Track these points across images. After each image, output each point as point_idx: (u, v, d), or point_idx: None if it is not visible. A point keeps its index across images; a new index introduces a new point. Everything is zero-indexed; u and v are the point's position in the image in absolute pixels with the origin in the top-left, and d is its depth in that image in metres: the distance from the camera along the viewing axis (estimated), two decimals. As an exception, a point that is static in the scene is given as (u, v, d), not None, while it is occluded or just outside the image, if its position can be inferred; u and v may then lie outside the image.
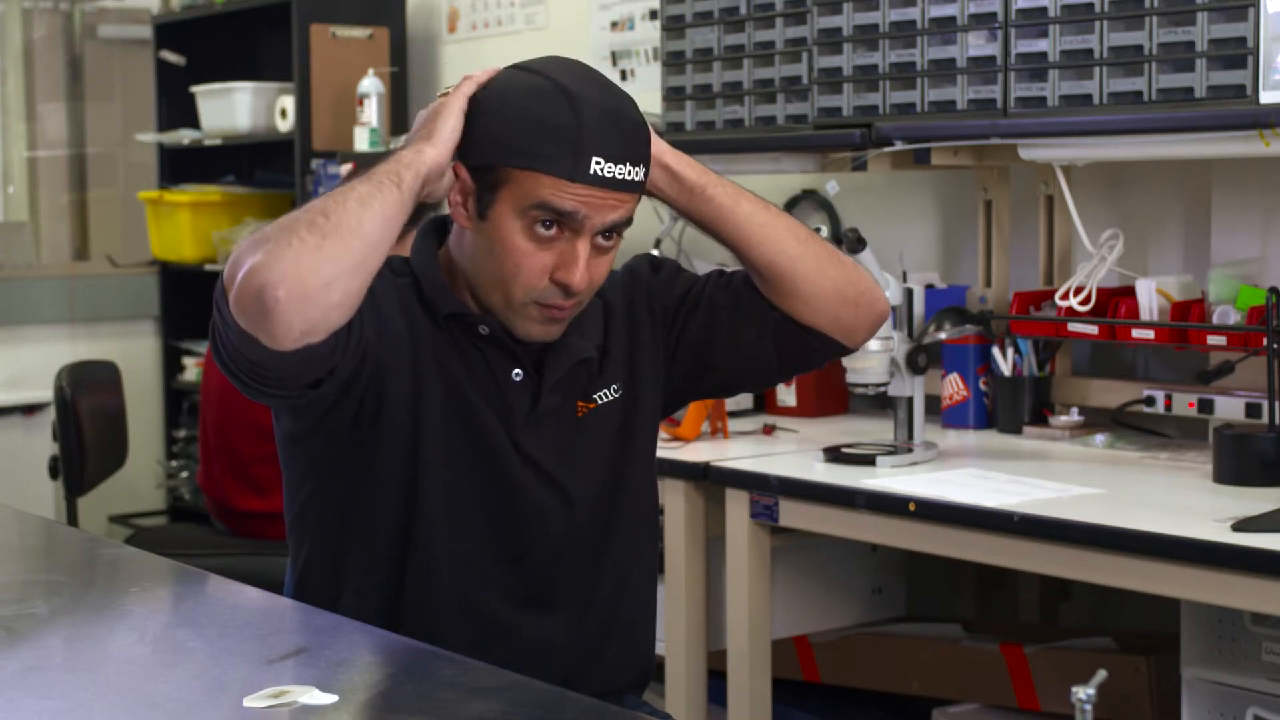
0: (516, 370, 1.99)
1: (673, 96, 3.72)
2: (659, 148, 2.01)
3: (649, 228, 3.75)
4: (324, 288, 1.74)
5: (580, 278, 1.89)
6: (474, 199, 1.91)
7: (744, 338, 2.07)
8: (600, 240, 1.91)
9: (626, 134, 1.90)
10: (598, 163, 1.86)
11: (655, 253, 3.61)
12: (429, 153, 1.87)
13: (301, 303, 1.73)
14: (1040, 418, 3.36)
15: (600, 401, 2.04)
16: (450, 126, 1.89)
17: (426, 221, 2.06)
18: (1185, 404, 3.10)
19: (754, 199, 2.05)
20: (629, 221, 1.93)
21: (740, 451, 3.30)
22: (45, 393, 4.51)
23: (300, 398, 1.88)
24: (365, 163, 1.99)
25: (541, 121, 1.87)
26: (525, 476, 1.99)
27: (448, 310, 1.96)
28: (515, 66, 1.95)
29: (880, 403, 3.62)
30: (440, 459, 1.96)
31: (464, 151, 1.91)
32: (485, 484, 1.98)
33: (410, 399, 1.94)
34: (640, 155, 1.91)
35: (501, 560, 2.00)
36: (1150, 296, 3.14)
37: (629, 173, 1.89)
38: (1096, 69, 2.93)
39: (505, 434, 1.98)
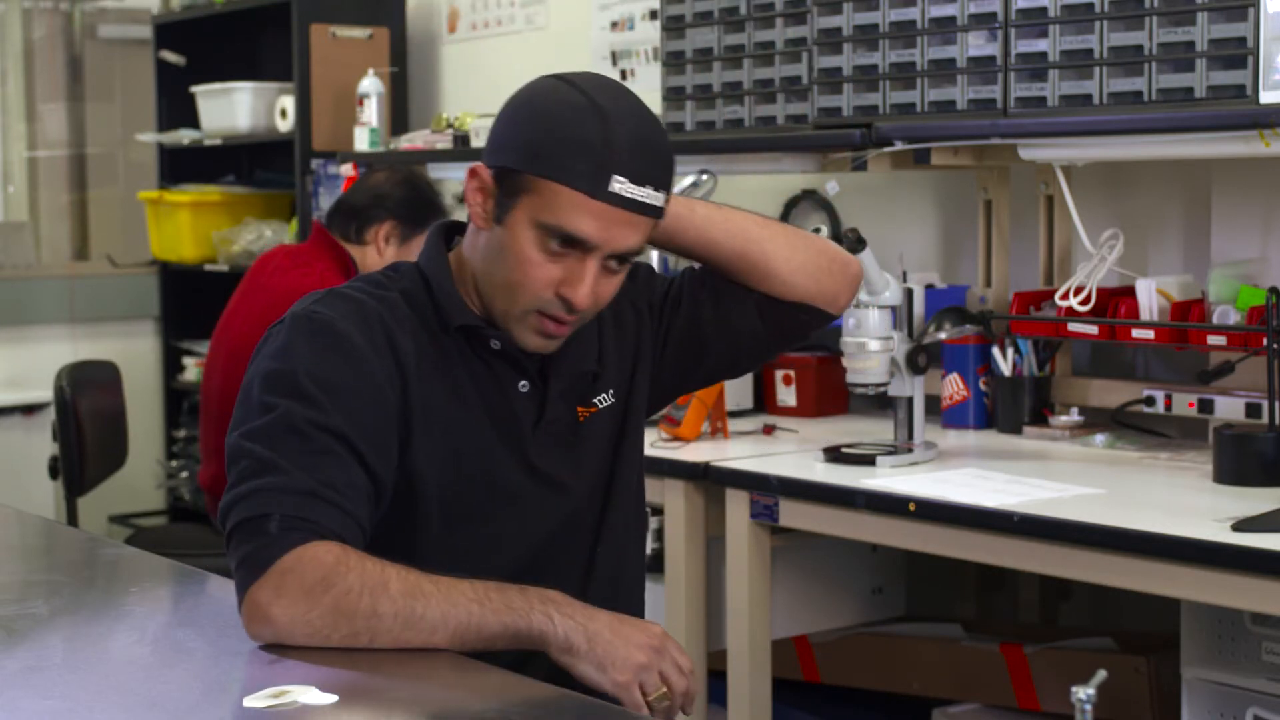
0: (523, 382, 1.98)
1: (673, 96, 3.72)
2: None
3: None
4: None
5: (585, 297, 1.88)
6: (494, 201, 1.89)
7: (732, 320, 2.10)
8: (611, 263, 1.90)
9: (653, 158, 1.88)
10: (619, 181, 1.84)
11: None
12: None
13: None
14: (1040, 418, 3.36)
15: (600, 406, 2.04)
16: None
17: (437, 224, 2.05)
18: (1185, 404, 3.10)
19: (706, 203, 2.10)
20: (640, 250, 1.92)
21: (740, 451, 3.30)
22: (45, 393, 4.51)
23: None
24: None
25: (571, 134, 1.84)
26: (531, 485, 1.97)
27: (459, 322, 1.94)
28: (556, 77, 1.91)
29: (880, 403, 3.62)
30: (441, 465, 1.94)
31: (490, 153, 1.90)
32: (489, 495, 1.95)
33: (412, 419, 1.91)
34: (663, 181, 1.90)
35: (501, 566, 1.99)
36: (1150, 296, 3.14)
37: (650, 196, 1.87)
38: (1096, 69, 2.93)
39: (512, 444, 1.96)
